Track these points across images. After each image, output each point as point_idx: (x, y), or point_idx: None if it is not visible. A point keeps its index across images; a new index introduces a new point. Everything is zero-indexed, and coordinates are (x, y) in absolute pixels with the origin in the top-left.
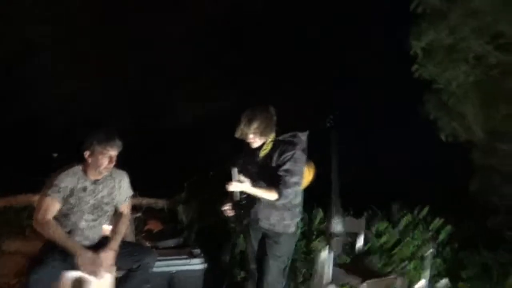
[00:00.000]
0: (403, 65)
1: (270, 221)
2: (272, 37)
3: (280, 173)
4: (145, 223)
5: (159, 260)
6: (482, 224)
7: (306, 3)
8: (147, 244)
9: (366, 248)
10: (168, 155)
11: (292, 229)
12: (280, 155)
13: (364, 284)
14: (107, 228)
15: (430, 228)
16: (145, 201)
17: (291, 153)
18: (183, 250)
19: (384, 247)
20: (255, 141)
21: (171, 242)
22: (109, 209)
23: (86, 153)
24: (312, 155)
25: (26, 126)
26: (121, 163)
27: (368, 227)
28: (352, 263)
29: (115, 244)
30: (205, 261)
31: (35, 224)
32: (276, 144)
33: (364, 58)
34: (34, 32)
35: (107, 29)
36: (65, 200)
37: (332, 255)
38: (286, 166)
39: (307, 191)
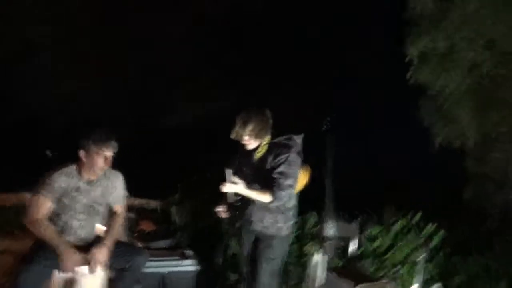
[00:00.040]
0: (403, 65)
1: (263, 223)
2: (272, 37)
3: (274, 175)
4: (138, 224)
5: (151, 261)
6: (475, 229)
7: (306, 3)
8: (139, 244)
9: (359, 252)
10: (168, 155)
11: (285, 232)
12: (274, 157)
13: None
14: (100, 228)
15: (423, 233)
16: (137, 201)
17: (285, 155)
18: (175, 251)
19: (377, 252)
20: (250, 143)
21: (163, 243)
22: (102, 209)
23: (82, 153)
24: (308, 158)
25: (26, 126)
26: (120, 163)
27: (361, 231)
28: (344, 267)
29: (108, 241)
30: (198, 263)
31: (27, 222)
32: (271, 146)
33: (364, 58)
34: (34, 32)
35: (107, 29)
36: (58, 200)
37: (325, 258)
38: (280, 169)
39: (302, 194)
